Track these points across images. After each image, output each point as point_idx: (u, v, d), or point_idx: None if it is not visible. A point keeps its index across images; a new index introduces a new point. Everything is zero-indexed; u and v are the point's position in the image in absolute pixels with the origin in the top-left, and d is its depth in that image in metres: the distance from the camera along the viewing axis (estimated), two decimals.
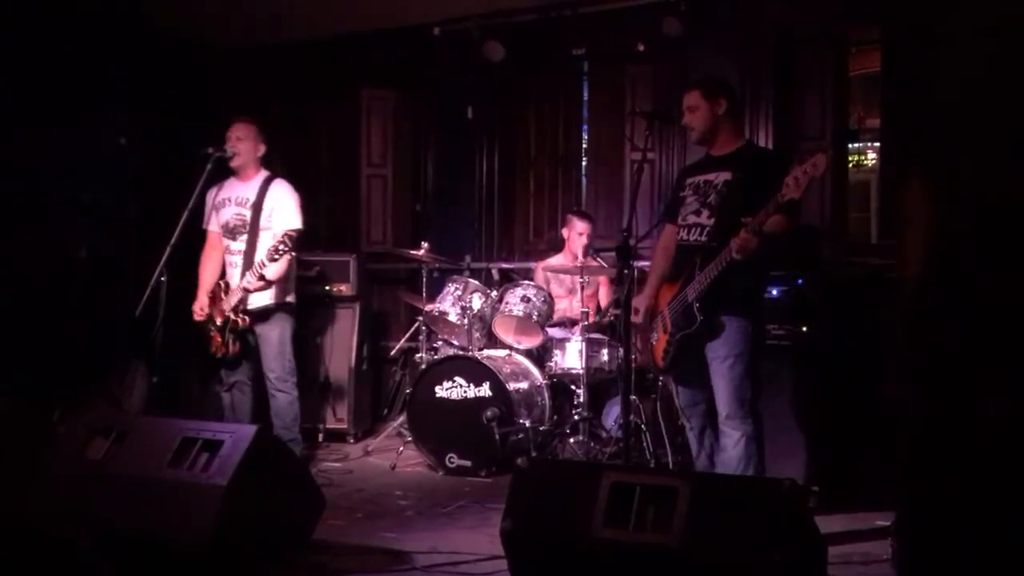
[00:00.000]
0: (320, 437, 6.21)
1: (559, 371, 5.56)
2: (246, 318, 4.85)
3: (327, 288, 6.35)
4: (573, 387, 5.57)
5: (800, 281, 4.54)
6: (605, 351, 5.49)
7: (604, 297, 6.07)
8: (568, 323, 5.93)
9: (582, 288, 5.49)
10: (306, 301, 6.11)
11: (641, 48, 6.44)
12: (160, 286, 4.43)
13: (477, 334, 5.64)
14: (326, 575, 3.50)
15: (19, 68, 5.49)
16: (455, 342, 5.85)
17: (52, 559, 2.43)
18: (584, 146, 7.09)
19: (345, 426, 6.28)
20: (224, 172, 5.00)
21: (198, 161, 4.75)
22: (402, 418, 5.90)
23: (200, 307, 4.91)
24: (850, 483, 4.30)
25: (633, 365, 4.31)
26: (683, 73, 5.95)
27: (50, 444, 3.84)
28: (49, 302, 5.63)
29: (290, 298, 4.99)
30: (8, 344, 5.15)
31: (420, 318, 6.03)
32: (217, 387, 5.08)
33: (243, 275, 4.84)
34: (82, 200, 5.91)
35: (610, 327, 5.66)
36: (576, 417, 5.40)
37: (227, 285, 4.89)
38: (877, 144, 6.62)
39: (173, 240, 4.48)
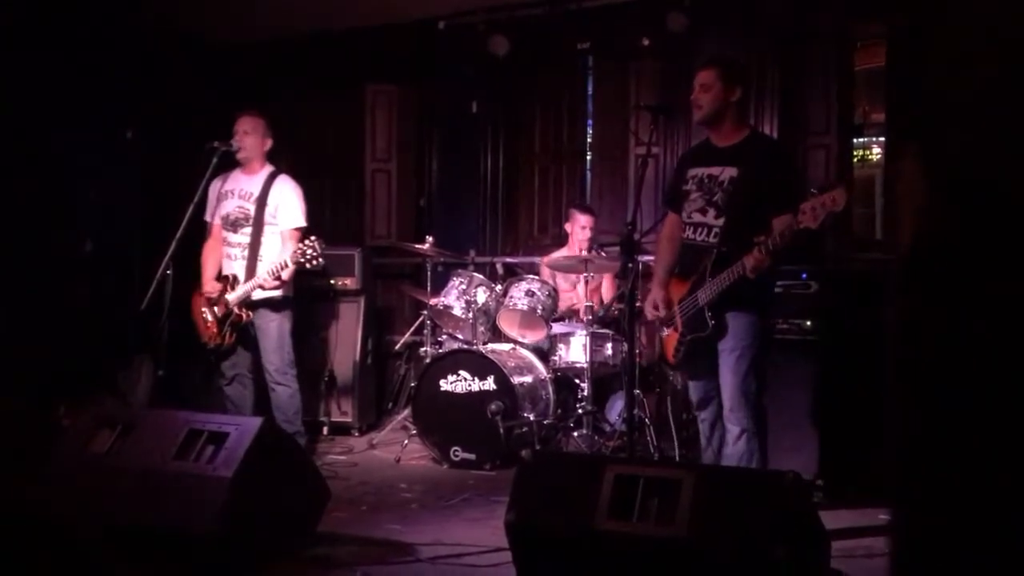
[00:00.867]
0: (325, 430, 6.23)
1: (563, 365, 5.57)
2: (249, 313, 4.87)
3: (332, 282, 6.36)
4: (577, 381, 5.57)
5: (805, 277, 4.54)
6: (609, 345, 5.49)
7: (607, 291, 6.07)
8: (572, 316, 5.94)
9: (586, 283, 5.50)
10: (311, 295, 6.14)
11: (646, 43, 6.43)
12: (165, 280, 4.44)
13: (482, 328, 5.65)
14: (330, 567, 3.51)
15: (24, 63, 5.50)
16: (459, 336, 5.86)
17: (56, 550, 2.44)
18: (588, 141, 7.08)
19: (350, 419, 6.30)
20: (228, 164, 5.00)
21: (204, 155, 4.76)
22: (407, 411, 5.92)
23: (213, 290, 4.90)
24: (855, 478, 4.31)
25: (638, 359, 4.32)
26: (688, 68, 5.94)
27: (56, 438, 3.86)
28: (55, 296, 5.65)
29: (289, 292, 5.00)
30: (14, 339, 5.17)
31: (425, 312, 6.03)
32: (218, 380, 5.10)
33: (248, 269, 4.84)
34: (87, 194, 5.93)
35: (614, 321, 5.67)
36: (580, 411, 5.41)
37: (234, 278, 4.89)
38: (882, 139, 6.60)
39: (178, 234, 4.50)
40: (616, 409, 5.58)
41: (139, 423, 3.63)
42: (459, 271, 5.90)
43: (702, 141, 4.10)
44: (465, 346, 5.64)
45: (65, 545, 2.46)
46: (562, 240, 6.32)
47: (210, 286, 4.93)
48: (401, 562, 3.61)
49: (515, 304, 5.56)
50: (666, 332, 3.99)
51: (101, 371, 5.78)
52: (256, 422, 3.51)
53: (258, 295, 4.86)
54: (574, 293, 6.09)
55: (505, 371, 5.26)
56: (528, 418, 5.24)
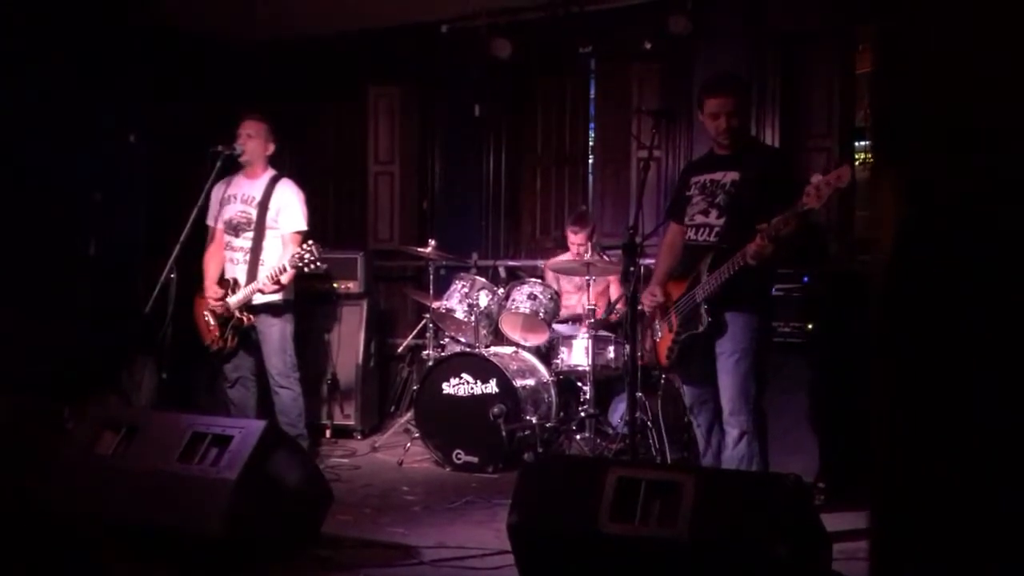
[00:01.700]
0: (328, 433, 6.24)
1: (566, 368, 5.58)
2: (251, 316, 4.88)
3: (335, 285, 6.38)
4: (580, 384, 5.58)
5: (807, 279, 4.55)
6: (612, 348, 5.50)
7: (615, 294, 6.07)
8: (575, 320, 5.94)
9: (589, 286, 5.51)
10: (313, 298, 6.15)
11: (648, 46, 6.44)
12: (169, 283, 4.47)
13: (484, 331, 5.66)
14: (333, 569, 3.52)
15: (29, 66, 5.52)
16: (462, 339, 5.87)
17: (60, 550, 2.46)
18: (591, 144, 7.10)
19: (352, 422, 6.31)
20: (232, 168, 5.02)
21: (207, 159, 4.77)
22: (409, 414, 5.93)
23: (215, 295, 4.92)
24: (857, 480, 4.31)
25: (640, 362, 4.33)
26: (690, 71, 5.97)
27: (61, 440, 3.87)
28: (59, 298, 5.66)
29: (290, 295, 5.01)
30: (19, 341, 5.19)
31: (427, 315, 6.04)
32: (221, 383, 5.11)
33: (249, 273, 4.86)
34: (92, 197, 5.95)
35: (618, 324, 5.67)
36: (582, 414, 5.42)
37: (235, 282, 4.92)
38: None
39: (182, 237, 4.51)
40: (618, 412, 5.58)
41: (143, 425, 3.65)
42: (461, 274, 5.91)
43: (705, 153, 4.12)
44: (467, 349, 5.65)
45: (69, 545, 2.48)
46: (564, 243, 6.33)
47: (212, 290, 4.95)
48: (404, 565, 3.63)
49: (517, 307, 5.57)
50: (660, 335, 4.00)
51: (105, 373, 5.80)
52: (260, 425, 3.53)
53: (259, 299, 4.87)
54: (578, 296, 6.09)
55: (507, 374, 5.27)
56: (530, 421, 5.25)
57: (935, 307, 1.00)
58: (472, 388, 5.35)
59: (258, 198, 4.96)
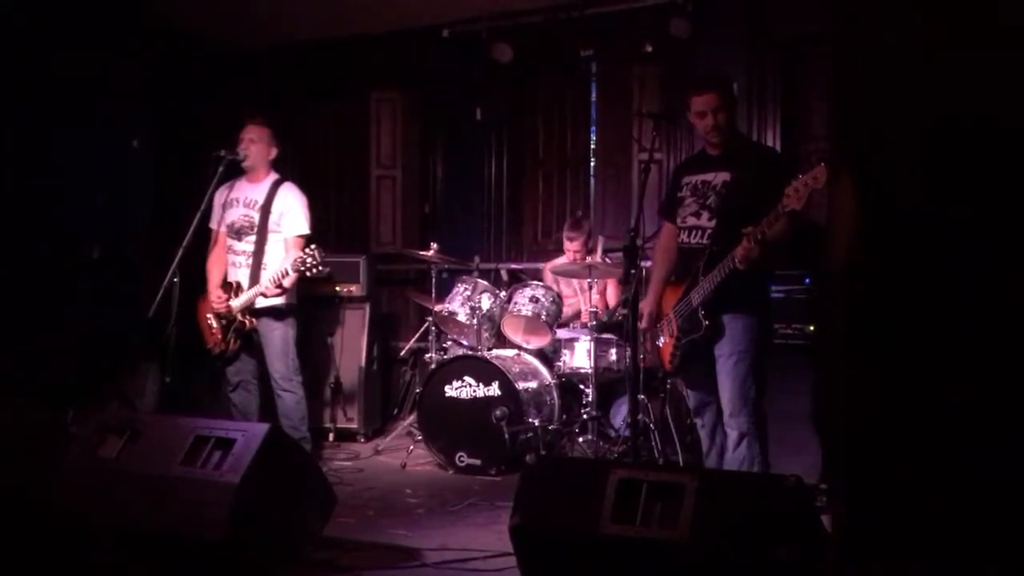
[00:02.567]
0: (331, 436, 6.26)
1: (568, 370, 5.59)
2: (253, 320, 4.90)
3: (337, 289, 6.39)
4: (582, 386, 5.59)
5: (808, 281, 4.55)
6: (614, 350, 5.51)
7: (613, 296, 6.09)
8: (577, 323, 5.96)
9: (591, 288, 5.52)
10: (316, 302, 6.17)
11: (648, 49, 6.46)
12: (172, 287, 4.47)
13: (486, 334, 5.67)
14: (336, 572, 3.53)
15: (32, 70, 5.54)
16: (464, 342, 5.89)
17: (64, 552, 2.47)
18: (592, 147, 7.11)
19: (355, 425, 6.33)
20: (234, 172, 5.04)
21: (210, 163, 4.80)
22: (412, 417, 5.94)
23: (218, 298, 4.94)
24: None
25: (642, 365, 4.34)
26: (690, 74, 5.97)
27: (64, 443, 3.88)
28: (63, 302, 5.68)
29: (292, 299, 5.02)
30: (22, 344, 5.20)
31: (429, 318, 6.06)
32: (224, 387, 5.13)
33: (252, 277, 4.88)
34: (95, 201, 5.96)
35: (619, 326, 5.68)
36: (585, 416, 5.42)
37: (238, 285, 4.93)
38: None
39: (185, 241, 4.53)
40: (620, 414, 5.59)
41: (146, 429, 3.65)
42: (463, 277, 5.93)
43: (696, 152, 4.13)
44: (470, 352, 5.66)
45: (72, 549, 2.50)
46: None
47: (214, 293, 4.97)
48: (407, 567, 3.63)
49: (519, 310, 5.58)
50: (662, 340, 4.02)
51: (109, 377, 5.81)
52: (263, 428, 3.53)
53: (261, 303, 4.89)
54: (577, 299, 6.11)
55: (510, 376, 5.28)
56: (533, 423, 5.26)
57: (891, 304, 1.01)
58: (474, 391, 5.36)
59: (261, 202, 4.98)
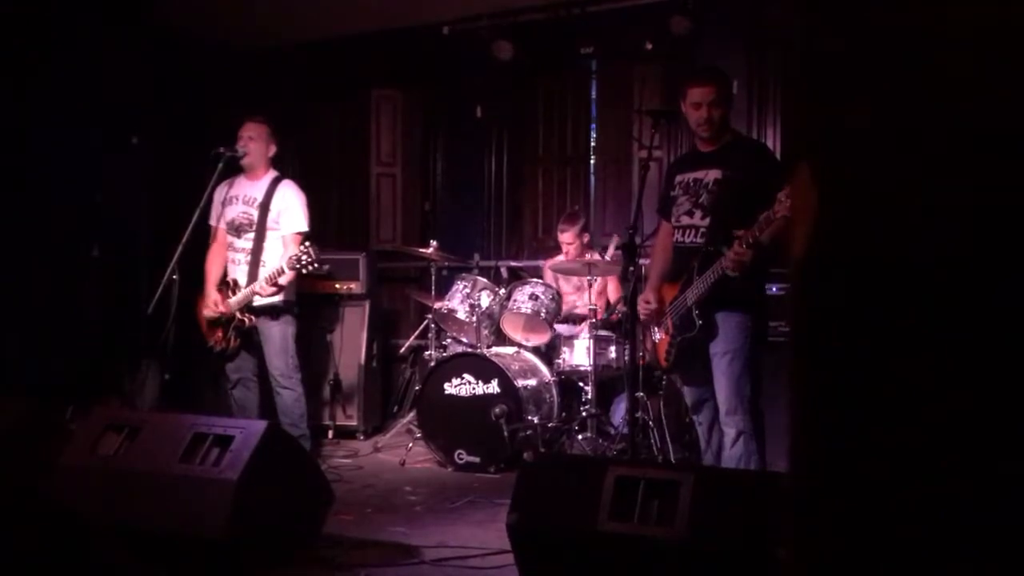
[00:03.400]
0: (330, 434, 6.26)
1: (567, 368, 5.59)
2: (252, 317, 4.90)
3: (337, 286, 6.40)
4: (581, 384, 5.59)
5: None
6: (613, 348, 5.52)
7: (613, 294, 6.09)
8: (576, 320, 5.96)
9: (591, 286, 5.52)
10: (316, 299, 6.17)
11: (649, 47, 6.45)
12: (172, 284, 4.48)
13: (486, 331, 5.68)
14: (335, 569, 3.53)
15: (30, 69, 5.55)
16: (464, 339, 5.89)
17: (63, 550, 2.47)
18: (592, 144, 7.12)
19: (355, 423, 6.33)
20: (233, 170, 5.04)
21: (209, 160, 4.80)
22: (411, 415, 5.94)
23: (214, 301, 4.94)
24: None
25: (640, 362, 4.34)
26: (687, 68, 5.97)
27: (64, 441, 3.89)
28: (62, 300, 5.69)
29: (291, 296, 5.03)
30: (22, 342, 5.21)
31: (429, 316, 6.06)
32: (224, 384, 5.13)
33: (250, 274, 4.88)
34: (95, 199, 5.97)
35: (618, 324, 5.68)
36: (584, 414, 5.43)
37: (235, 283, 4.93)
38: None
39: (184, 239, 4.54)
40: (620, 412, 5.59)
41: (145, 426, 3.66)
42: (463, 275, 5.93)
43: (689, 149, 4.13)
44: (469, 349, 5.67)
45: (71, 546, 2.50)
46: None
47: (210, 297, 4.97)
48: (406, 564, 3.64)
49: (519, 307, 5.58)
50: (658, 337, 4.02)
51: (109, 375, 5.82)
52: (261, 425, 3.54)
53: (260, 300, 4.89)
54: (577, 296, 6.11)
55: (509, 374, 5.28)
56: (532, 421, 5.26)
57: (849, 305, 1.01)
58: (474, 388, 5.37)
59: (260, 199, 4.99)
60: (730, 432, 3.73)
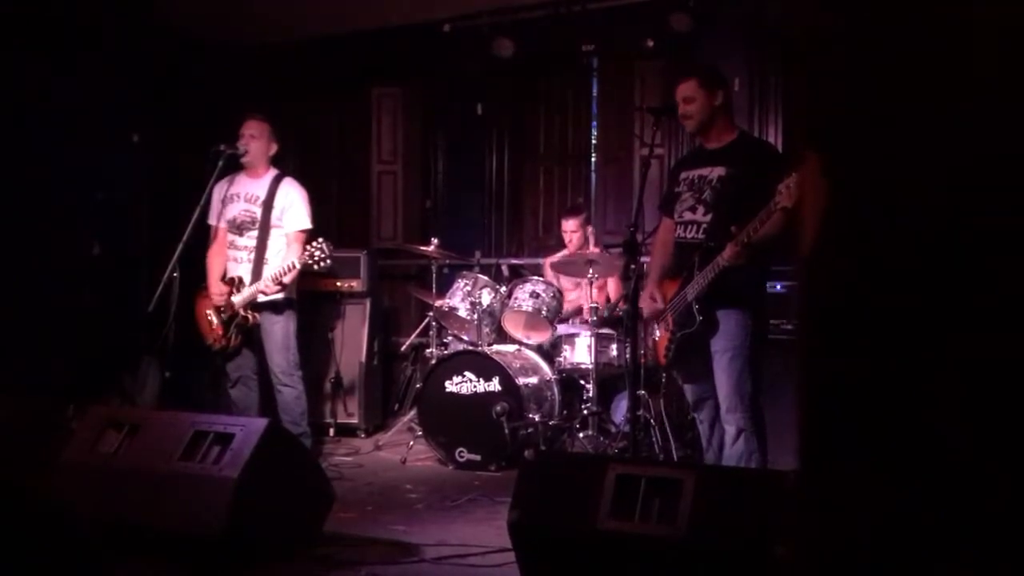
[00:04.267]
0: (331, 432, 6.26)
1: (568, 366, 5.58)
2: (256, 315, 4.89)
3: (338, 284, 6.39)
4: (582, 382, 5.59)
5: None
6: (614, 346, 5.51)
7: (614, 291, 6.08)
8: (577, 317, 5.95)
9: (591, 283, 5.51)
10: (317, 297, 6.17)
11: (650, 44, 6.43)
12: (172, 283, 4.48)
13: (487, 329, 5.67)
14: (335, 567, 3.53)
15: (31, 67, 5.54)
16: (465, 337, 5.88)
17: (62, 548, 2.46)
18: (593, 142, 7.11)
19: (356, 421, 6.33)
20: (231, 167, 5.02)
21: (210, 158, 4.79)
22: (412, 413, 5.94)
23: (219, 292, 4.93)
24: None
25: (641, 360, 4.33)
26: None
27: (64, 439, 3.89)
28: (63, 298, 5.69)
29: (292, 294, 5.02)
30: (23, 340, 5.21)
31: (430, 314, 6.06)
32: (224, 382, 5.13)
33: (254, 272, 4.87)
34: (95, 198, 5.97)
35: (619, 322, 5.67)
36: (585, 412, 5.42)
37: (240, 280, 4.92)
38: None
39: (185, 237, 4.53)
40: (621, 410, 5.58)
41: (146, 424, 3.66)
42: (464, 272, 5.92)
43: (695, 147, 4.14)
44: (470, 347, 5.66)
45: (70, 545, 2.49)
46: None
47: (216, 289, 4.96)
48: (406, 562, 3.63)
49: (520, 305, 5.57)
50: (658, 334, 4.01)
51: (109, 373, 5.82)
52: (262, 423, 3.53)
53: (262, 296, 4.88)
54: (578, 293, 6.10)
55: (510, 372, 5.27)
56: (533, 419, 5.25)
57: (856, 301, 1.00)
58: (475, 386, 5.36)
59: (262, 197, 4.97)
60: (731, 430, 3.73)
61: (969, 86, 0.94)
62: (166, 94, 6.42)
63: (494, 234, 7.27)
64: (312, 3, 6.45)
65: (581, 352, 5.52)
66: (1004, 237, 0.92)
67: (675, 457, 5.10)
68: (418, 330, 6.58)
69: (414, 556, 3.70)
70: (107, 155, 5.98)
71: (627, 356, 5.16)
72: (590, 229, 6.07)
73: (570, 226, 5.91)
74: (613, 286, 6.10)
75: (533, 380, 5.46)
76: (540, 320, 5.60)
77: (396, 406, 6.95)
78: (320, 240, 4.69)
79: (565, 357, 5.58)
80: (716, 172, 3.84)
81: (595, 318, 5.41)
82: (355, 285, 6.44)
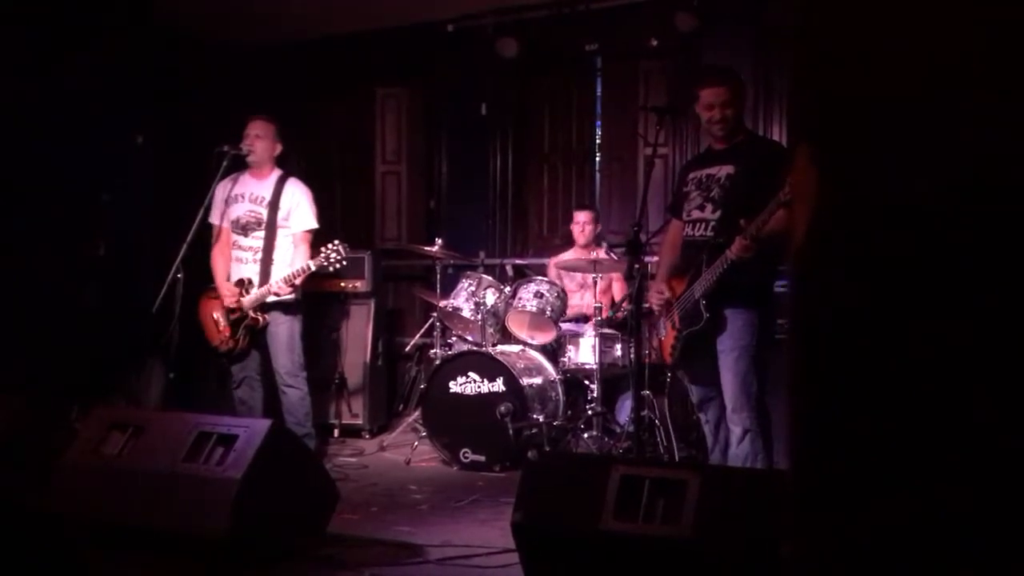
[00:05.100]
0: (335, 432, 6.26)
1: (572, 366, 5.57)
2: (265, 316, 4.89)
3: (342, 285, 6.38)
4: (587, 382, 5.58)
5: None
6: (618, 346, 5.50)
7: (618, 292, 6.07)
8: (581, 318, 5.95)
9: (595, 283, 5.51)
10: (321, 298, 6.17)
11: (654, 44, 6.44)
12: (176, 283, 4.47)
13: (491, 330, 5.66)
14: (340, 568, 3.52)
15: (35, 69, 5.55)
16: (469, 338, 5.87)
17: (65, 548, 2.47)
18: (597, 142, 7.10)
19: (360, 421, 6.33)
20: (236, 167, 5.02)
21: (214, 159, 4.79)
22: (417, 413, 5.93)
23: (231, 294, 4.90)
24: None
25: (646, 360, 4.32)
26: (697, 69, 5.95)
27: (68, 439, 3.89)
28: (67, 299, 5.69)
29: (298, 295, 5.01)
30: (27, 340, 5.21)
31: (434, 314, 6.05)
32: (229, 383, 5.12)
33: (262, 273, 4.86)
34: (100, 198, 5.97)
35: (623, 322, 5.67)
36: (589, 412, 5.41)
37: (249, 281, 4.91)
38: None
39: (189, 238, 4.53)
40: (625, 410, 5.58)
41: (150, 425, 3.65)
42: (468, 273, 5.92)
43: (703, 150, 4.13)
44: (474, 348, 5.65)
45: (73, 545, 2.49)
46: (571, 240, 6.33)
47: (225, 290, 4.94)
48: (410, 563, 3.62)
49: (524, 305, 5.57)
50: (664, 333, 4.01)
51: (113, 373, 5.82)
52: (266, 424, 3.53)
53: (272, 298, 4.88)
54: (581, 294, 6.10)
55: (514, 372, 5.27)
56: (537, 419, 5.24)
57: (848, 299, 1.00)
58: (479, 387, 5.35)
59: (268, 198, 4.96)
60: (736, 430, 3.72)
61: (957, 79, 0.94)
62: (170, 95, 6.43)
63: (498, 234, 7.26)
64: (316, 3, 6.45)
65: (585, 352, 5.51)
66: (997, 231, 0.92)
67: (679, 458, 5.09)
68: (422, 330, 6.58)
69: (418, 557, 3.69)
70: (111, 156, 5.98)
71: (631, 356, 5.15)
72: (598, 227, 6.08)
73: (583, 217, 5.94)
74: (618, 286, 6.09)
75: (537, 380, 5.45)
76: (544, 320, 5.59)
77: (400, 407, 6.95)
78: (336, 242, 4.69)
79: (569, 357, 5.57)
80: (724, 170, 3.84)
81: (599, 318, 5.40)
82: (359, 286, 6.44)
